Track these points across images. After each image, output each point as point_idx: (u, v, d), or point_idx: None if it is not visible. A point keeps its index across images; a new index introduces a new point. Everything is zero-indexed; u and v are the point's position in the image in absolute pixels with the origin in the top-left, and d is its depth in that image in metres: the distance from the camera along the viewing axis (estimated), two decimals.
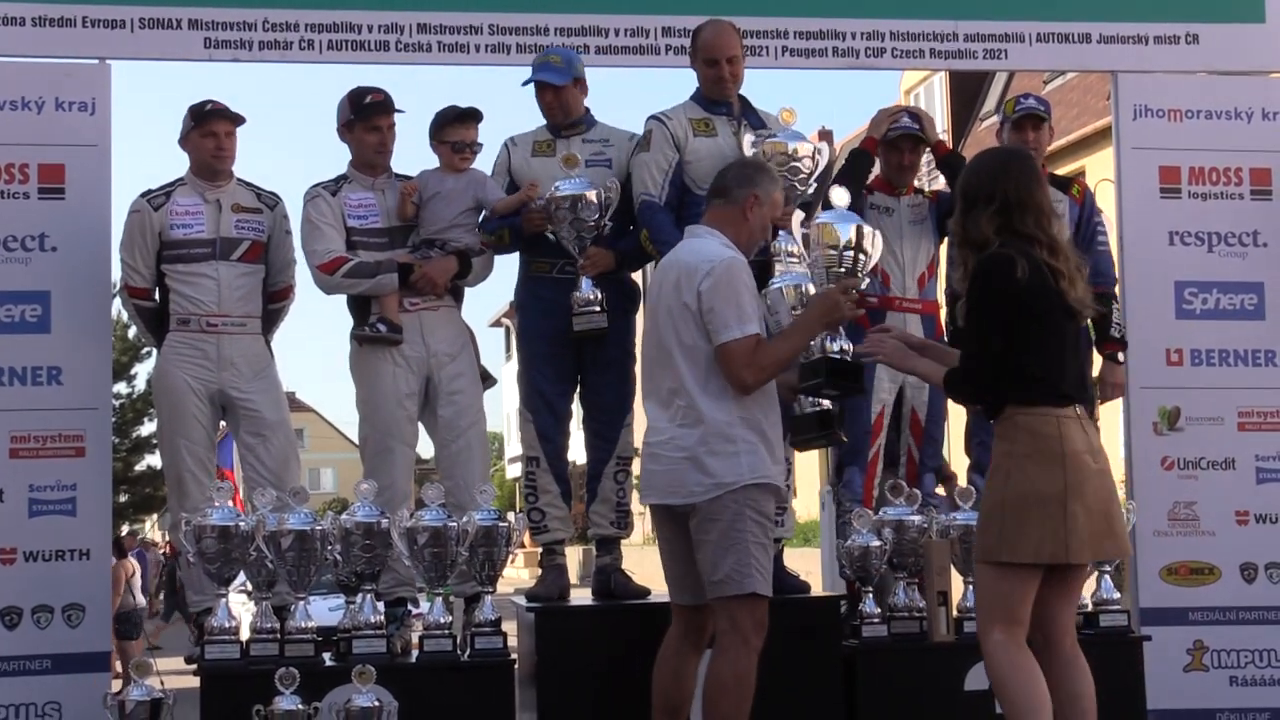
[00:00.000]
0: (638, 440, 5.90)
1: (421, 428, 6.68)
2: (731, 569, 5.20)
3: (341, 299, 6.60)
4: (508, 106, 6.65)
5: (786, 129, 6.38)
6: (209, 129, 6.63)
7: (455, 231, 6.54)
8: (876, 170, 7.04)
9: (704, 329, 5.26)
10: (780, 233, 6.29)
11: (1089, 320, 5.06)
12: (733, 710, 5.19)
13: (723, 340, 5.22)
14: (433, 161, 6.63)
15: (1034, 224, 4.92)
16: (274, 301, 6.83)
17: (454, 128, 6.55)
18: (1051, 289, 4.87)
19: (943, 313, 7.12)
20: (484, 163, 6.63)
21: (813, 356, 5.64)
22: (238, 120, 6.70)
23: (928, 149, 7.03)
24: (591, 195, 6.20)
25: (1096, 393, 6.94)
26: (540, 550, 6.57)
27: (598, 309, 6.23)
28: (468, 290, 6.77)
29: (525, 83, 6.43)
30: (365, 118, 6.56)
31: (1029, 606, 4.94)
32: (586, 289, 6.25)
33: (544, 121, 6.55)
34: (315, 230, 6.53)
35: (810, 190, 6.46)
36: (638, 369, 5.87)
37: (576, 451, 6.51)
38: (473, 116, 6.59)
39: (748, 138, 6.34)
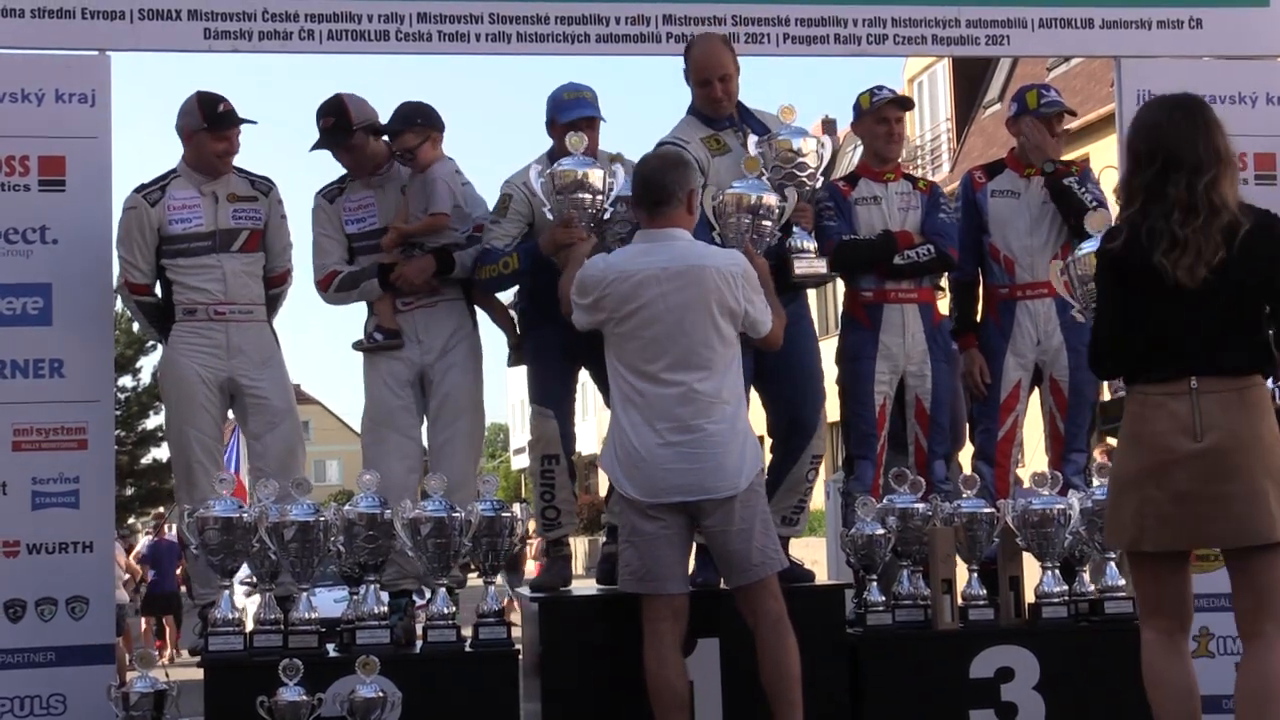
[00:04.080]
0: None
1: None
2: (772, 549, 5.56)
3: None
4: (507, 96, 6.63)
5: (788, 127, 6.38)
6: (224, 134, 6.64)
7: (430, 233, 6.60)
8: (860, 155, 7.06)
9: (738, 327, 5.55)
10: (795, 228, 6.34)
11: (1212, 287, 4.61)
12: (799, 680, 5.46)
13: (770, 329, 5.66)
14: None
15: (1183, 183, 4.67)
16: (273, 286, 6.84)
17: (390, 140, 6.61)
18: (1147, 261, 4.63)
19: (943, 302, 7.12)
20: (458, 146, 6.63)
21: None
22: (248, 123, 6.71)
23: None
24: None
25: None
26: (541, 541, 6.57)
27: None
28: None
29: (570, 119, 6.30)
30: (326, 143, 6.62)
31: (1171, 594, 4.75)
32: None
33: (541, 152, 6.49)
34: (315, 244, 6.68)
35: (818, 185, 6.47)
36: None
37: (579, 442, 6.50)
38: (400, 126, 6.56)
39: (751, 140, 6.33)
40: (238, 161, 6.81)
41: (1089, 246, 5.64)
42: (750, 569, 5.49)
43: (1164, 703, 4.71)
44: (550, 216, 6.14)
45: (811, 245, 6.38)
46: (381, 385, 6.57)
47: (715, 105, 6.39)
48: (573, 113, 6.35)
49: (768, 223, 6.11)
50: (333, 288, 6.63)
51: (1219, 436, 4.62)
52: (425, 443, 6.76)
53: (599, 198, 6.07)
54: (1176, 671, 4.71)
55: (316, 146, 6.63)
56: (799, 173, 6.30)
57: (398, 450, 6.54)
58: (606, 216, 6.15)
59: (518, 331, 6.81)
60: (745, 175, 6.14)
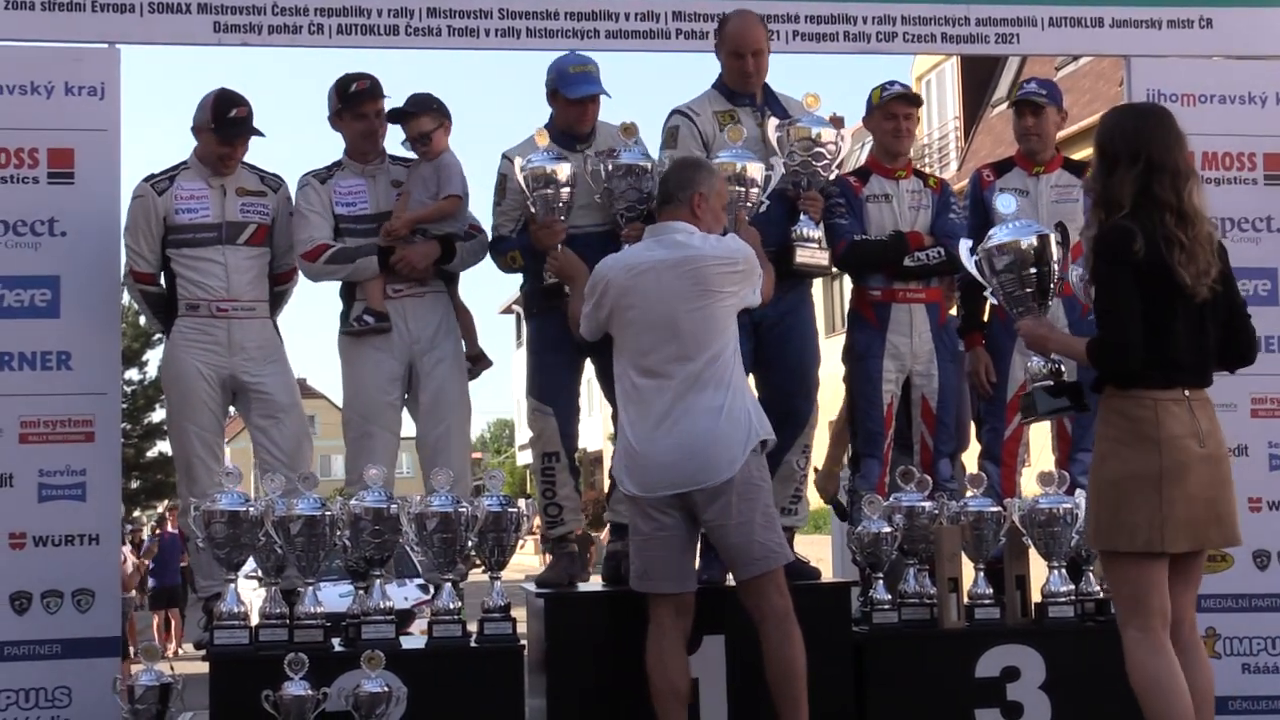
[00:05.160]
0: None
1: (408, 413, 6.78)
2: (776, 543, 5.50)
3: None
4: (516, 91, 6.63)
5: (810, 115, 6.38)
6: (229, 141, 6.66)
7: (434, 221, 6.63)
8: (870, 149, 7.08)
9: (734, 314, 5.56)
10: (802, 216, 6.35)
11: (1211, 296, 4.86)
12: (804, 672, 5.41)
13: (761, 289, 5.67)
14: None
15: (1169, 187, 4.78)
16: (279, 284, 6.85)
17: (403, 125, 6.66)
18: (1164, 266, 4.74)
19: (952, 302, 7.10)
20: (465, 143, 6.66)
21: (1041, 379, 5.46)
22: (253, 129, 6.71)
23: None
24: (648, 165, 6.21)
25: None
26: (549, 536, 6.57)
27: None
28: (479, 275, 6.82)
29: (574, 96, 6.34)
30: (351, 106, 6.66)
31: (1158, 594, 4.84)
32: None
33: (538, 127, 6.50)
34: (301, 219, 6.66)
35: (832, 176, 6.47)
36: None
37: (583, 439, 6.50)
38: (409, 115, 6.63)
39: (771, 122, 6.34)
40: (249, 157, 6.82)
41: (1005, 234, 5.55)
42: (751, 563, 5.46)
43: (1157, 702, 4.75)
44: (532, 209, 6.22)
45: (816, 234, 6.38)
46: (369, 380, 6.61)
47: (746, 79, 6.39)
48: (579, 89, 6.37)
49: (754, 190, 6.15)
50: (323, 259, 6.60)
51: (1214, 445, 4.84)
52: (415, 434, 6.78)
53: (566, 190, 6.16)
54: (1168, 669, 4.77)
55: (350, 102, 6.65)
56: (815, 161, 6.32)
57: (382, 446, 6.58)
58: (563, 204, 6.20)
59: (479, 346, 6.95)
60: (731, 145, 6.20)
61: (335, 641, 5.72)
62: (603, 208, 6.30)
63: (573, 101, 6.36)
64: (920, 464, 6.66)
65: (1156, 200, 4.79)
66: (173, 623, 20.60)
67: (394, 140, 6.80)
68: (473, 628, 5.76)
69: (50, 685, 6.33)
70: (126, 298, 7.52)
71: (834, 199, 6.64)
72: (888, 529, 6.16)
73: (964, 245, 5.82)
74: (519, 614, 5.86)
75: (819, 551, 11.79)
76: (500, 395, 70.97)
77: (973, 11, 7.16)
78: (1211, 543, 5.03)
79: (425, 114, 6.63)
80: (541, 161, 6.16)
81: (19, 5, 6.52)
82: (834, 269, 6.78)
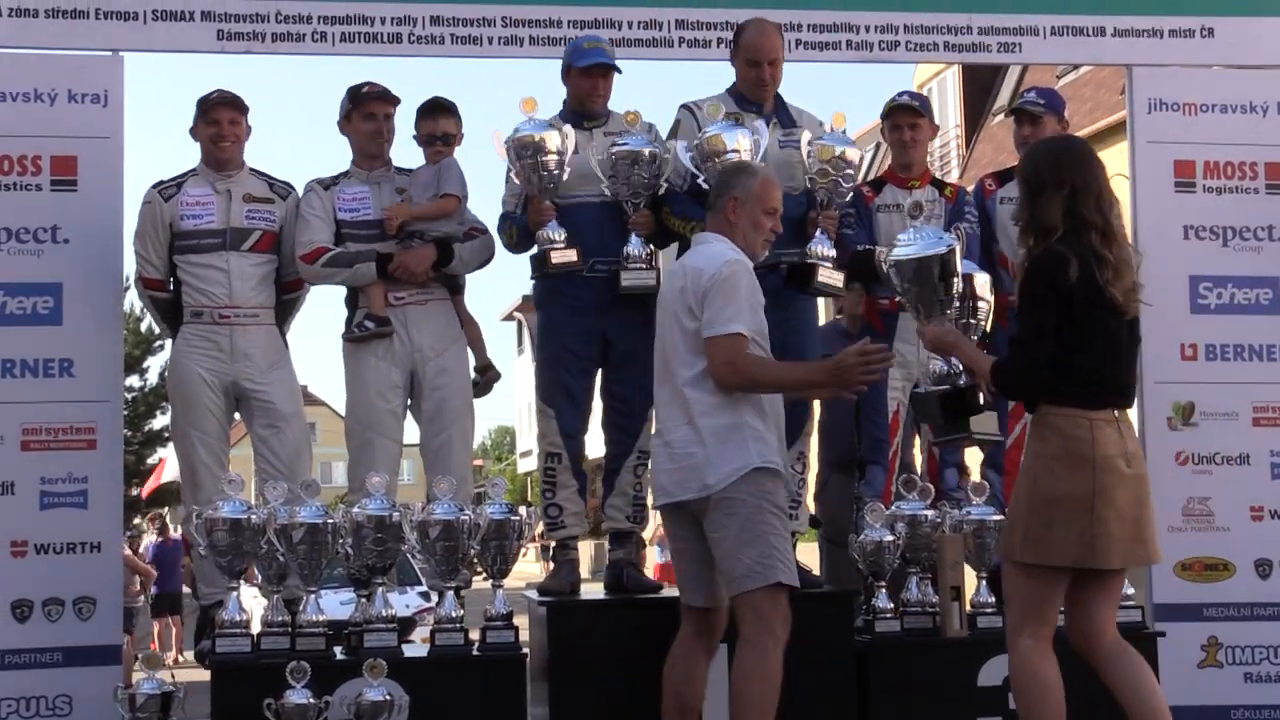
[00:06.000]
0: None
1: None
2: (754, 561, 5.25)
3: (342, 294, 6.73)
4: (519, 98, 6.61)
5: (832, 133, 6.38)
6: (212, 117, 6.67)
7: (433, 221, 6.66)
8: (889, 162, 7.08)
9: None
10: (818, 234, 6.32)
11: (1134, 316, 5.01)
12: (764, 704, 5.19)
13: (706, 334, 5.32)
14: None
15: (1095, 208, 4.89)
16: (288, 292, 6.85)
17: (423, 121, 6.74)
18: (1098, 287, 4.83)
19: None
20: (470, 152, 6.70)
21: (938, 382, 5.59)
22: (242, 108, 6.72)
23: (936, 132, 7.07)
24: (648, 152, 6.24)
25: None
26: (548, 545, 6.57)
27: (644, 266, 6.22)
28: (480, 282, 6.83)
29: (586, 65, 6.38)
30: (360, 105, 6.70)
31: (1057, 607, 4.99)
32: (636, 246, 6.26)
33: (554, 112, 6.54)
34: (303, 223, 6.68)
35: (849, 198, 6.52)
36: None
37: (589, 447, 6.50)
38: (440, 109, 6.73)
39: (805, 135, 6.33)
40: (258, 164, 6.86)
41: (912, 246, 5.56)
42: (732, 580, 5.31)
43: (1046, 705, 4.87)
44: (516, 180, 6.28)
45: (832, 253, 6.37)
46: (370, 389, 6.61)
47: (761, 88, 6.40)
48: (588, 59, 6.40)
49: (746, 156, 6.14)
50: (320, 262, 6.61)
51: (1138, 465, 4.95)
52: (419, 441, 6.79)
53: (553, 158, 6.16)
54: (1057, 676, 4.91)
55: (360, 102, 6.69)
56: (844, 183, 6.33)
57: (383, 453, 6.59)
58: (566, 176, 6.22)
59: (488, 356, 6.97)
60: (714, 119, 6.20)
61: (337, 650, 5.71)
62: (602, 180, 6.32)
63: (583, 72, 6.39)
64: (927, 473, 6.66)
65: (1083, 221, 4.89)
66: (174, 629, 20.58)
67: (399, 150, 6.85)
68: (475, 636, 5.76)
69: (51, 693, 6.33)
70: (128, 304, 7.54)
71: (845, 210, 6.66)
72: (890, 537, 6.16)
73: (878, 253, 5.88)
74: (521, 622, 5.85)
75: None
76: (501, 402, 70.84)
77: (975, 20, 7.17)
78: (1138, 560, 5.13)
79: (453, 116, 6.73)
80: (529, 130, 6.18)
81: (23, 13, 6.54)
82: (850, 286, 6.78)
